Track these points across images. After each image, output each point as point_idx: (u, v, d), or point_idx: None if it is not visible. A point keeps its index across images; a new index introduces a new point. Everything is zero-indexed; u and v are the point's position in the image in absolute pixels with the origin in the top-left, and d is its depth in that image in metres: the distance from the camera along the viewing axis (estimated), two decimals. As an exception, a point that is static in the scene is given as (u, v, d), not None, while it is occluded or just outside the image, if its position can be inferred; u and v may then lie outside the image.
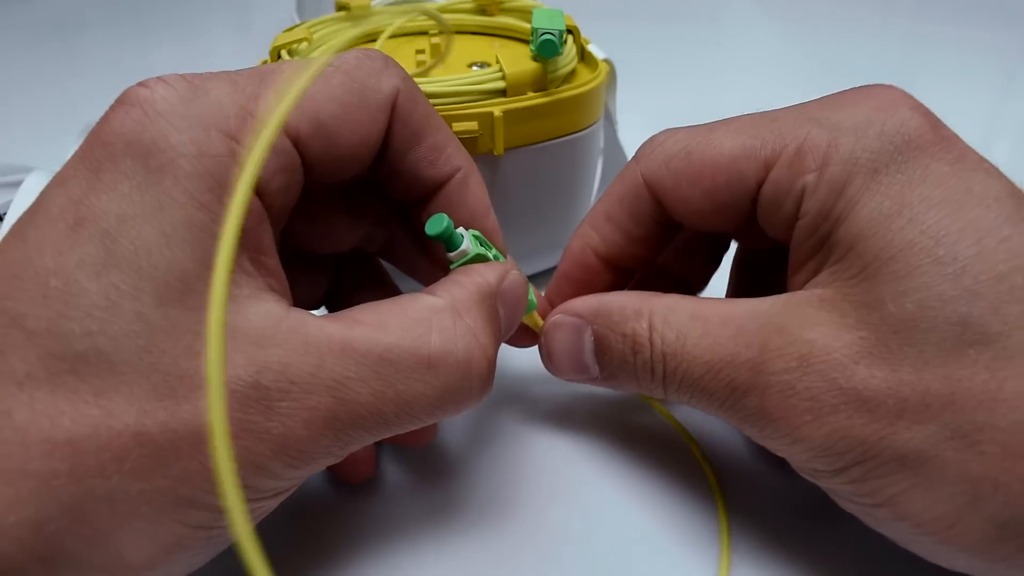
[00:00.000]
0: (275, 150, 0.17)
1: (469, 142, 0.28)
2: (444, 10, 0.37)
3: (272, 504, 0.18)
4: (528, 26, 0.33)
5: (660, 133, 0.22)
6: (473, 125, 0.27)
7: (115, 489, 0.14)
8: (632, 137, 0.31)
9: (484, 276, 0.20)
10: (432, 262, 0.24)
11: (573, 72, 0.32)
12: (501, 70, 0.29)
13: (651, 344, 0.20)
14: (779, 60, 0.63)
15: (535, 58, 0.29)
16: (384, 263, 0.25)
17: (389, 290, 0.25)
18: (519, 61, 0.29)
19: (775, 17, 0.75)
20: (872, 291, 0.17)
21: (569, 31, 0.34)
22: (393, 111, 0.19)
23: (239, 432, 0.15)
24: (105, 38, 0.70)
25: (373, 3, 0.37)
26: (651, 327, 0.20)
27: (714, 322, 0.19)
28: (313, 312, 0.17)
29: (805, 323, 0.18)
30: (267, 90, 0.17)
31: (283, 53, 0.31)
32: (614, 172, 0.32)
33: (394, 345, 0.17)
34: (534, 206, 0.31)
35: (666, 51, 0.63)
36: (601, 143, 0.35)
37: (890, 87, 0.19)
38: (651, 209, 0.22)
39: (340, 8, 0.36)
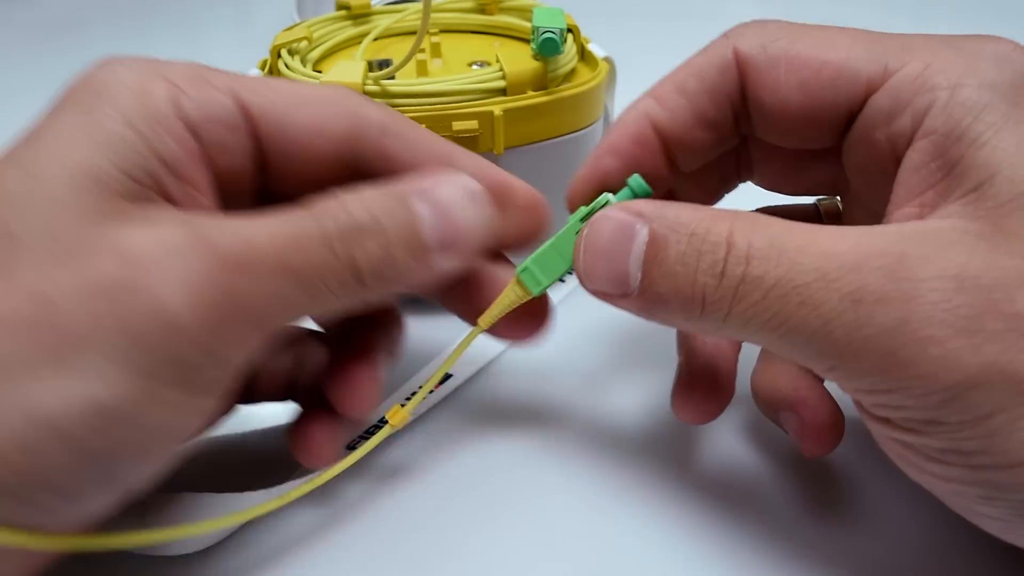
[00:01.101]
0: (217, 104, 0.18)
1: (469, 141, 0.28)
2: (444, 9, 0.37)
3: (195, 406, 0.16)
4: (528, 25, 0.33)
5: (751, 21, 0.20)
6: (473, 124, 0.27)
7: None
8: (632, 136, 0.31)
9: (399, 181, 0.19)
10: None
11: (573, 71, 0.32)
12: (501, 69, 0.29)
13: (730, 245, 0.17)
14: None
15: (536, 57, 0.29)
16: None
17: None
18: (519, 60, 0.29)
19: (774, 17, 0.75)
20: None
21: (569, 30, 0.34)
22: (367, 122, 0.20)
23: (145, 284, 0.15)
24: (105, 38, 0.70)
25: (373, 3, 0.37)
26: (732, 230, 0.17)
27: (823, 236, 0.16)
28: None
29: (952, 244, 0.15)
30: (228, 76, 0.19)
31: (283, 52, 0.31)
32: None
33: (288, 217, 0.17)
34: (534, 205, 0.31)
35: (666, 51, 0.63)
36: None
37: (1006, 38, 0.18)
38: (732, 92, 0.20)
39: (340, 8, 0.36)
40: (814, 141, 0.20)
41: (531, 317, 0.22)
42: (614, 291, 0.19)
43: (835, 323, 0.15)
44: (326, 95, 0.20)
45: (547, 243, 0.21)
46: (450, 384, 0.27)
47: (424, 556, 0.22)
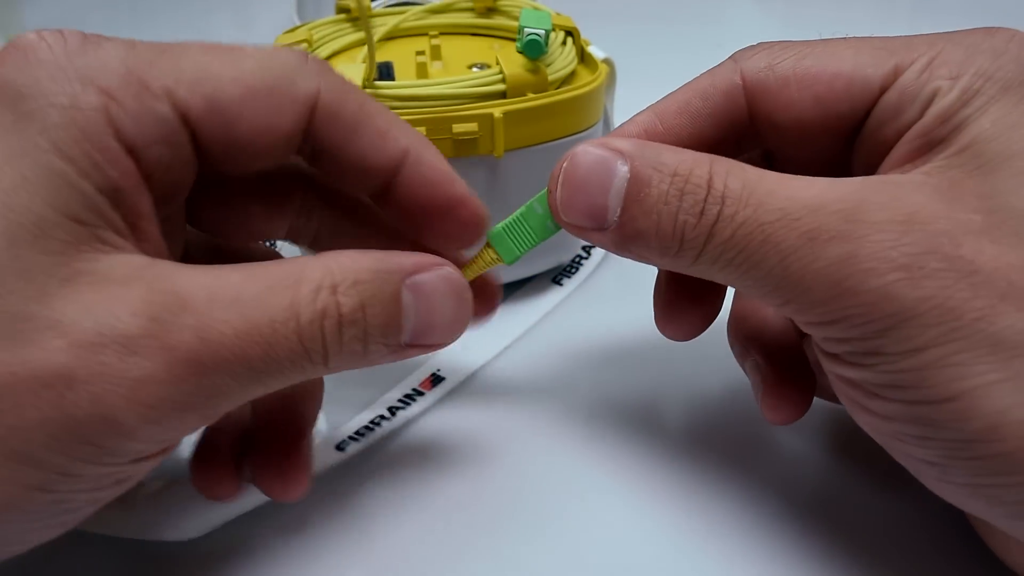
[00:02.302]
0: (156, 119, 0.16)
1: (469, 144, 0.28)
2: (443, 10, 0.37)
3: (133, 472, 0.16)
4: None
5: (756, 44, 0.21)
6: (473, 127, 0.27)
7: None
8: (632, 138, 0.31)
9: (393, 255, 0.18)
10: None
11: (573, 73, 0.32)
12: (501, 72, 0.29)
13: (709, 187, 0.18)
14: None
15: (520, 51, 0.29)
16: None
17: None
18: (519, 62, 0.29)
19: (775, 18, 0.75)
20: (988, 183, 0.16)
21: (569, 32, 0.34)
22: (317, 110, 0.18)
23: (89, 377, 0.14)
24: (105, 39, 0.70)
25: (373, 4, 0.37)
26: (712, 172, 0.18)
27: (793, 183, 0.17)
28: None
29: (908, 194, 0.16)
30: (165, 61, 0.17)
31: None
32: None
33: (262, 291, 0.16)
34: (534, 207, 0.31)
35: (666, 51, 0.63)
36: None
37: (1013, 29, 0.19)
38: (737, 115, 0.20)
39: (340, 10, 0.36)
40: (828, 150, 0.20)
41: (481, 301, 0.22)
42: (589, 224, 0.19)
43: (792, 258, 0.17)
44: (275, 80, 0.18)
45: (520, 210, 0.21)
46: (444, 387, 0.27)
47: (416, 555, 0.22)
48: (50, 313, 0.14)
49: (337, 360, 0.17)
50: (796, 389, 0.22)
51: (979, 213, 0.16)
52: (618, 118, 0.36)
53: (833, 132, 0.19)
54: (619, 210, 0.18)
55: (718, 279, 0.19)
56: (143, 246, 0.17)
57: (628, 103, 0.38)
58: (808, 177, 0.17)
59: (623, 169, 0.18)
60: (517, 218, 0.21)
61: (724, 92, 0.20)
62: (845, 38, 0.20)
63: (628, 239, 0.19)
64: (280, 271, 0.17)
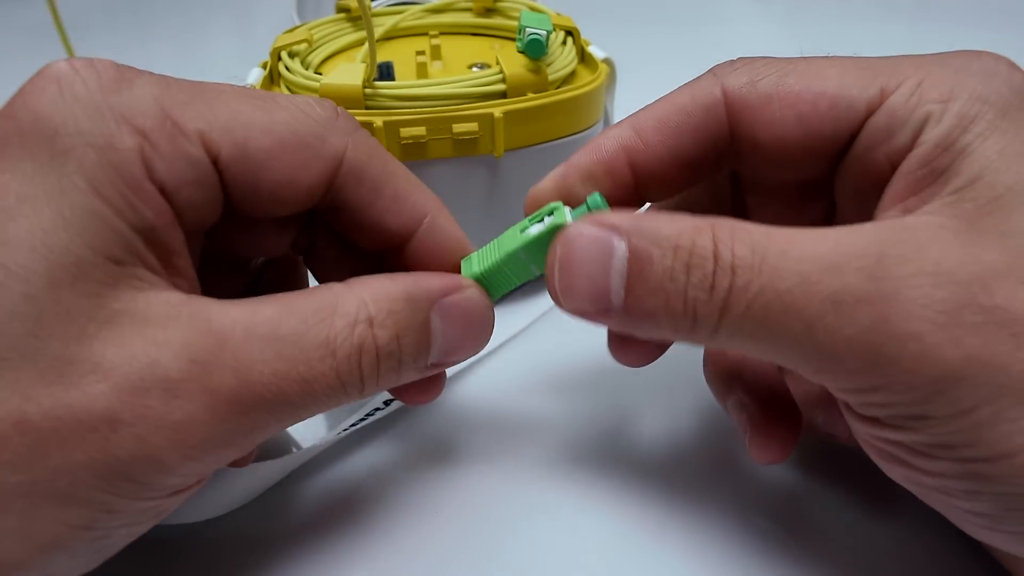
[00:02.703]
0: (189, 162, 0.16)
1: (469, 143, 0.28)
2: (443, 9, 0.37)
3: (169, 505, 0.17)
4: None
5: (736, 59, 0.20)
6: (473, 126, 0.27)
7: None
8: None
9: (420, 281, 0.18)
10: (354, 274, 0.21)
11: (573, 73, 0.32)
12: (501, 71, 0.29)
13: (716, 257, 0.16)
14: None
15: (521, 51, 0.29)
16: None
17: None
18: (519, 62, 0.29)
19: (775, 17, 0.75)
20: (1007, 220, 0.16)
21: (569, 32, 0.34)
22: (342, 168, 0.19)
23: (133, 420, 0.15)
24: (105, 38, 0.70)
25: (373, 4, 0.37)
26: (716, 240, 0.17)
27: (803, 238, 0.16)
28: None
29: (929, 240, 0.15)
30: (199, 103, 0.17)
31: (283, 54, 0.31)
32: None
33: (297, 326, 0.16)
34: (534, 207, 0.31)
35: (666, 51, 0.63)
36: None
37: (995, 53, 0.18)
38: (718, 131, 0.19)
39: (340, 10, 0.36)
40: (810, 172, 0.19)
41: (428, 383, 0.21)
42: (593, 308, 0.18)
43: (818, 326, 0.15)
44: (305, 134, 0.18)
45: (493, 242, 0.20)
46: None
47: (416, 559, 0.22)
48: (91, 355, 0.15)
49: (372, 388, 0.18)
50: (784, 427, 0.21)
51: (1002, 253, 0.15)
52: (618, 118, 0.36)
53: (815, 153, 0.19)
54: (623, 291, 0.17)
55: (741, 351, 0.17)
56: (176, 281, 0.17)
57: (628, 103, 0.38)
58: (815, 229, 0.16)
59: (621, 246, 0.17)
60: (499, 265, 0.20)
61: (705, 107, 0.19)
62: (828, 57, 0.19)
63: (637, 320, 0.18)
64: (314, 303, 0.17)
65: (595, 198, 0.19)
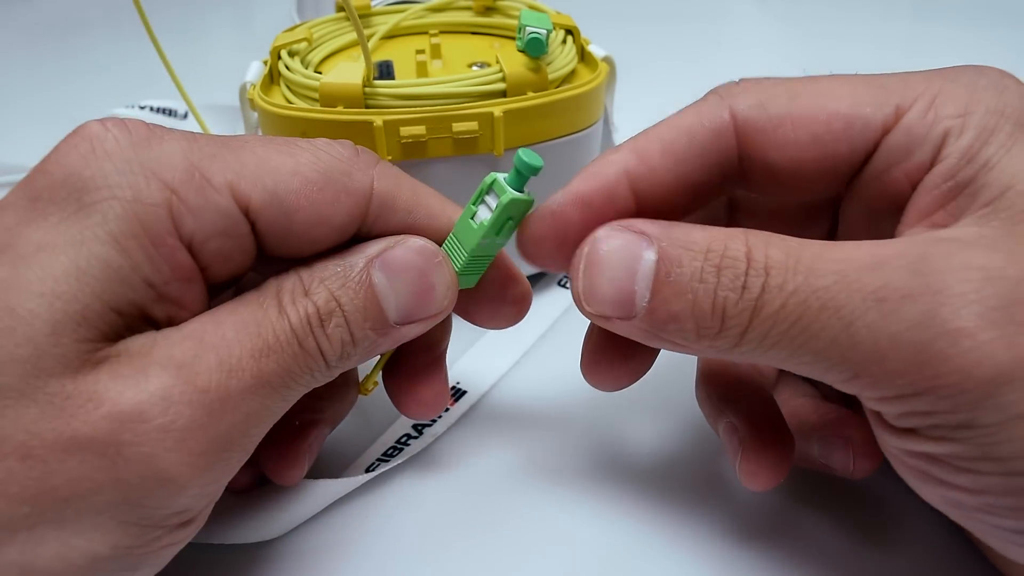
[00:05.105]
0: (218, 213, 0.17)
1: (469, 142, 0.28)
2: (443, 8, 0.37)
3: (182, 537, 0.17)
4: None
5: (740, 80, 0.19)
6: (473, 125, 0.27)
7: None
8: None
9: (357, 249, 0.19)
10: None
11: (573, 72, 0.32)
12: (501, 70, 0.29)
13: (749, 259, 0.16)
14: (779, 60, 0.63)
15: (522, 50, 0.29)
16: None
17: None
18: (519, 61, 0.29)
19: (775, 17, 0.75)
20: None
21: (569, 31, 0.34)
22: (373, 200, 0.19)
23: (136, 439, 0.15)
24: (105, 38, 0.70)
25: (373, 3, 0.37)
26: (749, 245, 0.16)
27: (838, 247, 0.16)
28: None
29: (969, 245, 0.15)
30: (226, 153, 0.17)
31: (283, 53, 0.31)
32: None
33: (255, 309, 0.17)
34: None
35: (666, 51, 0.63)
36: (599, 143, 0.35)
37: (995, 67, 0.18)
38: (726, 155, 0.19)
39: (340, 9, 0.36)
40: (820, 193, 0.19)
41: (512, 304, 0.22)
42: (616, 313, 0.18)
43: (858, 323, 0.15)
44: (332, 172, 0.18)
45: (449, 236, 0.20)
46: (467, 400, 0.27)
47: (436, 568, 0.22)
48: (86, 388, 0.15)
49: (333, 354, 0.18)
50: (776, 453, 0.21)
51: None
52: (618, 117, 0.36)
53: (829, 173, 0.18)
54: (648, 293, 0.17)
55: (765, 361, 0.17)
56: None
57: (628, 102, 0.38)
58: (846, 242, 0.16)
59: (650, 252, 0.17)
60: (469, 261, 0.20)
61: (713, 130, 0.19)
62: (834, 75, 0.19)
63: (660, 324, 0.17)
64: (265, 288, 0.18)
65: (519, 157, 0.19)
